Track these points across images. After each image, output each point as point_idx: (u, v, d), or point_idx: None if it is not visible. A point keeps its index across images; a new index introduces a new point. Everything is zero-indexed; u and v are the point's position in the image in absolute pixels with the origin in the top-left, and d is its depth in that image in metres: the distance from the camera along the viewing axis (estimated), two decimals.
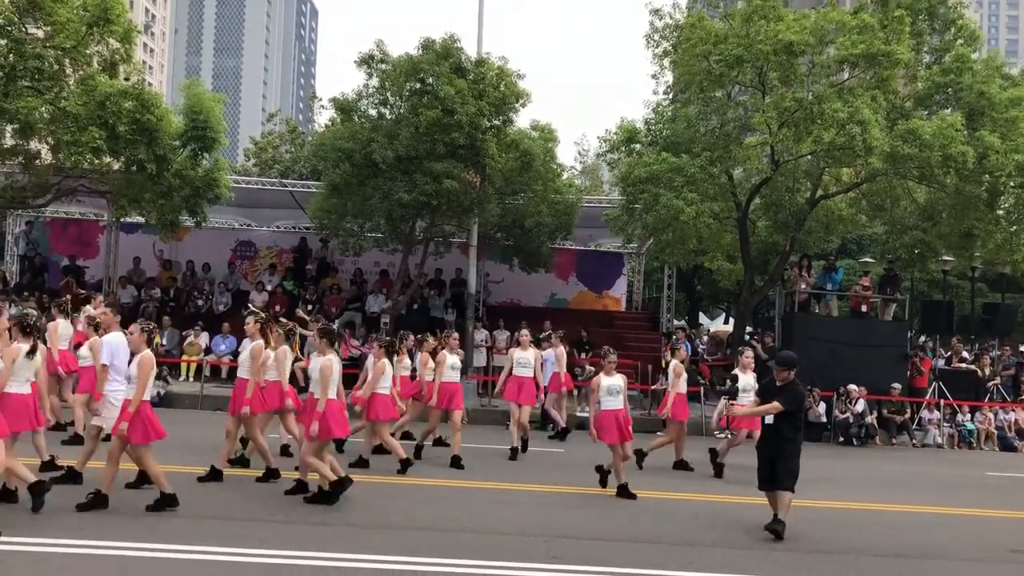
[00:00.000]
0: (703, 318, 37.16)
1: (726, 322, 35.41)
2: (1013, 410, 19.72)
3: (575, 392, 20.01)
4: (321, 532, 7.73)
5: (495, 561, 6.98)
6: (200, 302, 22.96)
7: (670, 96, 21.11)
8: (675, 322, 26.18)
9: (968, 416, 19.43)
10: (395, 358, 11.75)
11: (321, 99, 36.10)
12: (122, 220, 22.11)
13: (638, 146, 19.81)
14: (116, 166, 18.77)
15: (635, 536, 8.32)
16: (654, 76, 20.40)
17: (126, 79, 18.48)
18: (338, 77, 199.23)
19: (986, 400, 19.79)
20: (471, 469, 11.40)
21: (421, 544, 7.44)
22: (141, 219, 21.57)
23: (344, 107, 20.20)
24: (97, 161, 17.81)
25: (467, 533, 7.98)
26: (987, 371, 20.68)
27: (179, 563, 6.58)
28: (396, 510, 8.80)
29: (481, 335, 21.35)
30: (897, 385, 18.88)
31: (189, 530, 7.45)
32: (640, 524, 8.85)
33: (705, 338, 24.67)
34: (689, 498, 10.55)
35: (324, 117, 33.11)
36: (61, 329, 12.54)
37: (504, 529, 8.26)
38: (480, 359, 21.08)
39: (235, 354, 19.49)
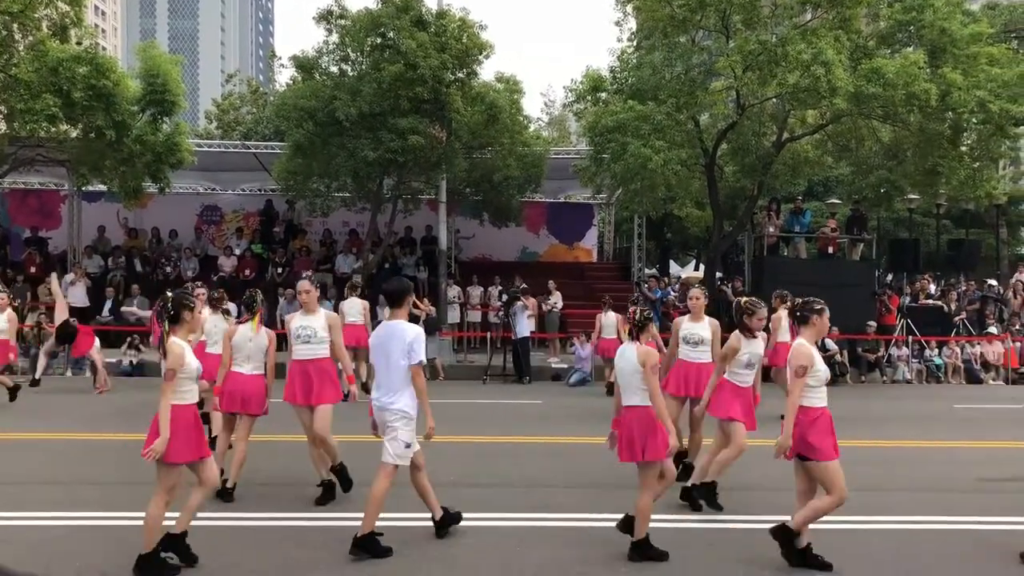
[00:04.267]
0: (673, 265, 37.37)
1: (696, 268, 35.63)
2: (979, 343, 20.12)
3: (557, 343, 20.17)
4: (309, 493, 7.75)
5: (482, 513, 7.05)
6: (168, 269, 22.70)
7: (634, 43, 20.97)
8: (646, 271, 26.30)
9: (936, 351, 19.81)
10: None
11: (281, 58, 35.52)
12: (84, 189, 21.74)
13: (604, 95, 19.68)
14: (74, 134, 18.40)
15: (617, 482, 8.43)
16: (617, 23, 20.23)
17: (78, 43, 18.04)
18: (297, 34, 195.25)
19: (952, 335, 20.17)
20: (455, 423, 11.46)
21: (407, 500, 7.50)
22: (103, 187, 21.23)
23: (304, 65, 19.87)
24: (54, 129, 17.45)
25: (457, 487, 8.03)
26: (953, 306, 21.05)
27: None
28: None
29: (454, 292, 21.35)
30: (872, 323, 19.22)
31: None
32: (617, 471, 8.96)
33: (677, 285, 24.82)
34: None
35: (285, 76, 32.39)
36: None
37: (488, 481, 8.34)
38: (454, 316, 21.13)
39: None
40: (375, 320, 14.38)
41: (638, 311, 6.35)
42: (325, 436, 7.36)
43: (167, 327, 5.63)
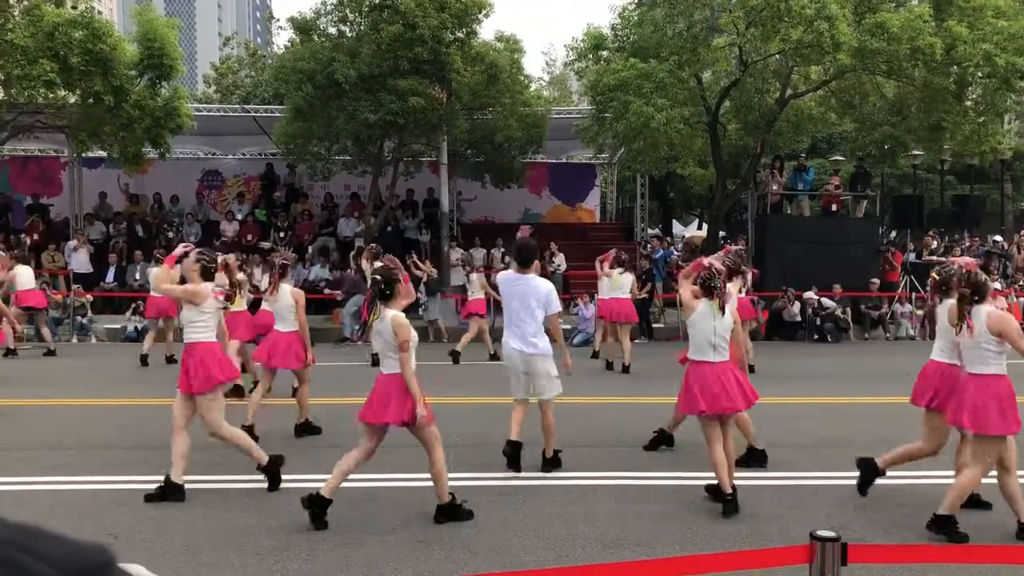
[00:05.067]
0: (676, 225, 37.30)
1: (699, 228, 35.57)
2: None
3: None
4: (319, 455, 7.82)
5: (490, 473, 7.13)
6: (171, 235, 22.68)
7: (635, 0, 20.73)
8: (649, 231, 26.27)
9: None
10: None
11: (279, 19, 35.16)
12: (84, 155, 21.68)
13: (605, 53, 19.50)
14: (72, 99, 18.30)
15: (619, 441, 8.50)
16: None
17: (74, 7, 17.88)
18: None
19: None
20: (460, 385, 11.53)
21: (416, 461, 7.57)
22: (103, 153, 21.17)
23: (303, 27, 19.67)
24: (51, 95, 17.36)
25: (461, 448, 8.11)
26: None
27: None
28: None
29: (456, 254, 21.33)
30: (876, 280, 19.24)
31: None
32: (618, 430, 9.03)
33: (680, 244, 24.82)
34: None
35: (283, 38, 32.06)
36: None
37: (497, 440, 8.40)
38: (457, 278, 21.11)
39: None
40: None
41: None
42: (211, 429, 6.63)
43: (379, 304, 5.82)
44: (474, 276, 15.57)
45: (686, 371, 6.50)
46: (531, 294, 7.17)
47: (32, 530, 0.76)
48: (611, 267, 13.68)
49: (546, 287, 7.27)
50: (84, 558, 0.77)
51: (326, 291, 18.72)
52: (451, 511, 5.94)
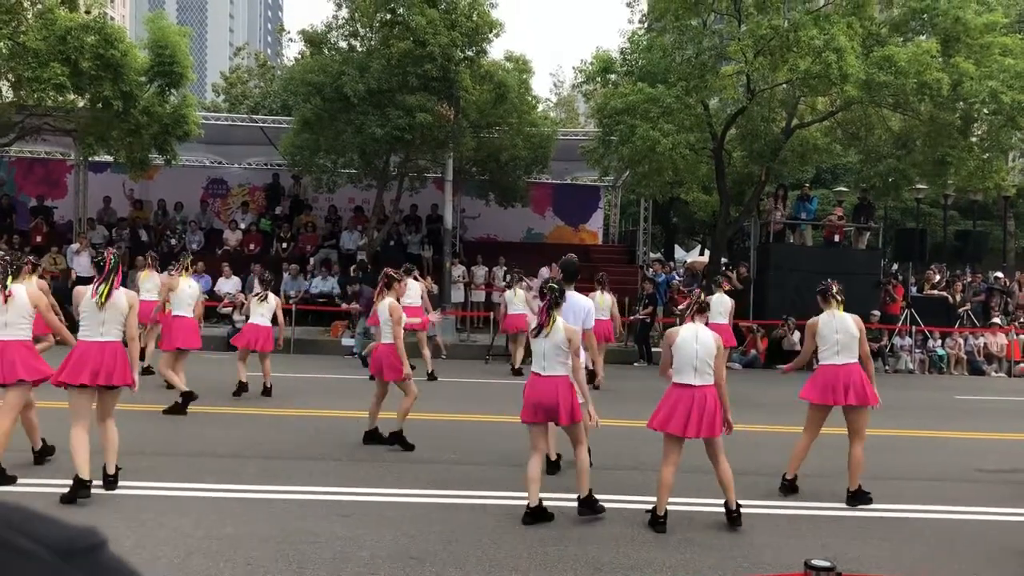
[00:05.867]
0: (679, 250, 37.30)
1: (701, 253, 35.55)
2: (983, 335, 20.10)
3: None
4: (314, 467, 7.79)
5: (486, 491, 7.09)
6: (173, 241, 22.71)
7: (645, 25, 20.86)
8: (651, 255, 26.27)
9: (939, 342, 19.80)
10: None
11: (289, 32, 35.41)
12: (90, 159, 21.74)
13: (613, 76, 19.60)
14: (81, 103, 18.38)
15: (616, 463, 8.46)
16: (629, 4, 20.17)
17: (87, 12, 17.97)
18: (306, 8, 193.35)
19: (956, 326, 20.14)
20: (457, 402, 11.50)
21: (410, 477, 7.54)
22: (109, 158, 21.24)
23: (313, 39, 19.79)
24: (61, 98, 17.41)
25: (461, 465, 8.08)
26: (958, 297, 21.02)
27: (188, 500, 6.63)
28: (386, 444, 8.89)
29: (458, 271, 21.35)
30: (876, 313, 19.22)
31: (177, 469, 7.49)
32: (617, 453, 8.99)
33: (681, 269, 24.82)
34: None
35: (293, 50, 32.28)
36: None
37: (487, 460, 8.38)
38: (458, 295, 21.13)
39: (210, 293, 19.43)
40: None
41: (701, 294, 6.85)
42: None
43: (555, 311, 6.25)
44: (520, 291, 15.10)
45: (667, 390, 6.51)
46: (572, 310, 7.36)
47: (24, 510, 0.76)
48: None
49: (587, 304, 7.58)
50: (76, 539, 0.76)
51: (343, 305, 18.73)
52: (590, 503, 6.32)
